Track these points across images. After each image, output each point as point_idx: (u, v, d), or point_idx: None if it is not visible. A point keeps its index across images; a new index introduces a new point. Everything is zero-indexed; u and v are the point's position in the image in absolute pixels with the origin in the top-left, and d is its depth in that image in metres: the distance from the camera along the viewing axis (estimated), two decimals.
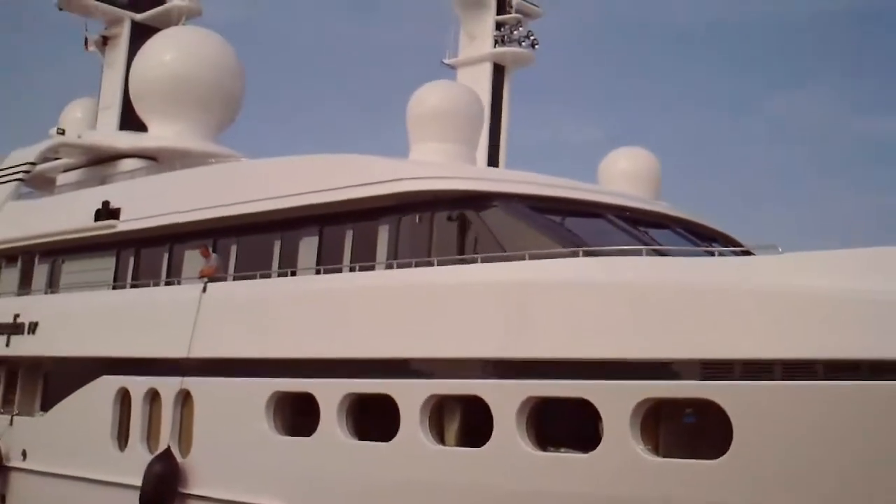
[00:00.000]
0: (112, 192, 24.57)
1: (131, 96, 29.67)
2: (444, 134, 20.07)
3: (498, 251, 16.11)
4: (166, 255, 22.97)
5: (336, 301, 17.66)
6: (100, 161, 29.17)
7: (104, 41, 31.43)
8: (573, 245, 15.54)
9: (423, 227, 17.83)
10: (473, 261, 15.87)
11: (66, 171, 30.09)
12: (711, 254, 15.39)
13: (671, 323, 13.04)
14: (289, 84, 70.42)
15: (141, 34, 31.05)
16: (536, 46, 24.19)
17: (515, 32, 24.25)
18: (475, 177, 17.73)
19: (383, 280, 17.41)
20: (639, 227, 17.17)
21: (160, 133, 28.84)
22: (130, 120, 30.26)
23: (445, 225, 17.61)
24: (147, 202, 23.46)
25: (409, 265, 17.02)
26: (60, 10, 30.67)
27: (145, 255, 23.61)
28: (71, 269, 25.79)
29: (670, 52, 64.73)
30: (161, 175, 24.36)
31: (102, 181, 27.76)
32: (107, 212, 24.08)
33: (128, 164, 28.24)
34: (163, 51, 29.04)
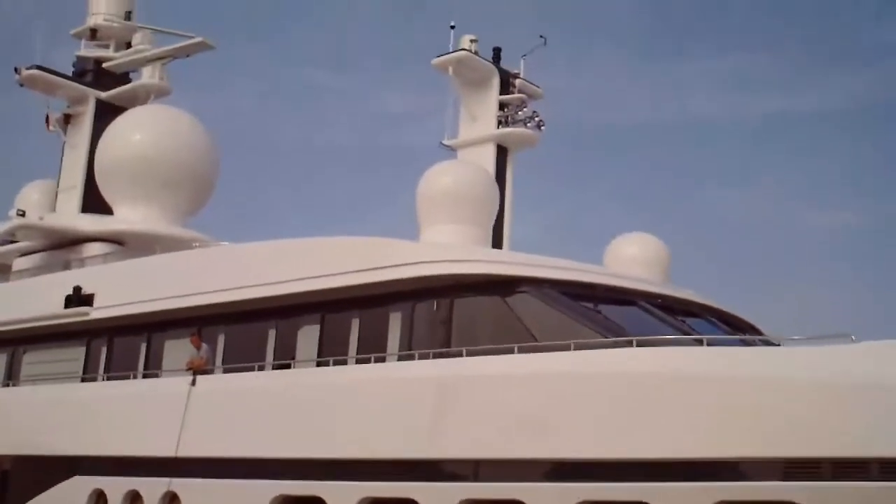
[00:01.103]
0: (83, 277, 23.00)
1: (96, 177, 28.24)
2: (457, 216, 19.03)
3: (528, 340, 15.03)
4: (144, 345, 21.39)
5: (347, 395, 16.35)
6: (61, 245, 27.51)
7: (66, 119, 30.00)
8: (614, 334, 14.54)
9: (442, 315, 16.67)
10: (509, 351, 14.69)
11: (22, 255, 28.30)
12: (772, 344, 14.45)
13: (748, 419, 12.00)
14: (266, 166, 68.18)
15: (106, 113, 29.79)
16: (543, 127, 23.47)
17: (521, 113, 23.52)
18: (501, 260, 16.69)
19: (402, 372, 16.15)
20: (675, 316, 16.21)
21: (127, 216, 27.39)
22: (93, 202, 28.79)
23: (467, 312, 16.47)
24: (124, 288, 21.96)
25: (430, 355, 15.80)
26: (21, 86, 29.20)
27: (120, 344, 22.01)
28: (33, 360, 24.02)
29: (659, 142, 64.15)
30: (140, 259, 22.88)
31: (65, 266, 26.19)
32: (78, 298, 22.47)
33: (93, 248, 26.65)
34: (131, 130, 27.78)
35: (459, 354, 15.32)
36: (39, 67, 28.96)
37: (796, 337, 13.55)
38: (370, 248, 17.81)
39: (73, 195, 29.13)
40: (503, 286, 16.10)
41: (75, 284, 22.74)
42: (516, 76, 23.86)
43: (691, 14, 70.12)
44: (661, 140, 65.41)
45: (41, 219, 27.27)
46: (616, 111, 68.27)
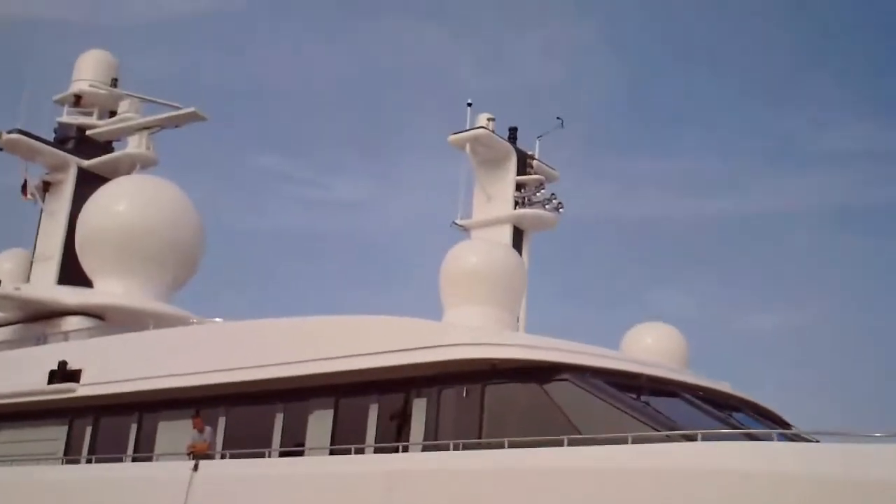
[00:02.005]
0: (69, 352, 21.72)
1: (76, 248, 27.09)
2: (484, 297, 18.20)
3: (569, 431, 14.18)
4: (135, 426, 20.11)
5: (367, 487, 15.30)
6: (37, 317, 26.19)
7: (45, 187, 28.87)
8: (666, 427, 13.77)
9: (472, 402, 15.75)
10: (557, 443, 13.80)
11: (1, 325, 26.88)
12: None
13: None
14: (259, 243, 65.74)
15: (87, 182, 28.80)
16: (561, 210, 22.88)
17: (539, 194, 22.92)
18: (539, 345, 15.87)
19: (432, 464, 15.14)
20: (719, 409, 15.50)
21: (108, 290, 26.20)
22: (71, 273, 27.61)
23: (500, 399, 15.59)
24: (115, 364, 20.74)
25: (468, 446, 14.85)
26: (0, 150, 28.07)
27: (108, 424, 20.68)
28: (7, 439, 22.50)
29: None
30: (133, 334, 21.72)
31: (41, 340, 24.86)
32: (63, 373, 21.18)
33: (72, 322, 25.38)
34: (116, 200, 26.75)
35: (500, 445, 14.38)
36: (21, 132, 27.88)
37: (831, 431, 12.92)
38: (393, 327, 16.93)
39: (49, 266, 27.93)
40: (541, 373, 15.29)
41: (60, 359, 21.45)
42: (532, 157, 23.34)
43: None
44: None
45: (17, 289, 25.95)
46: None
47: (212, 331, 20.52)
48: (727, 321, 61.27)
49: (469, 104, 23.07)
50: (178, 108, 28.70)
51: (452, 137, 22.68)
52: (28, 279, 28.18)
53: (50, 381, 21.32)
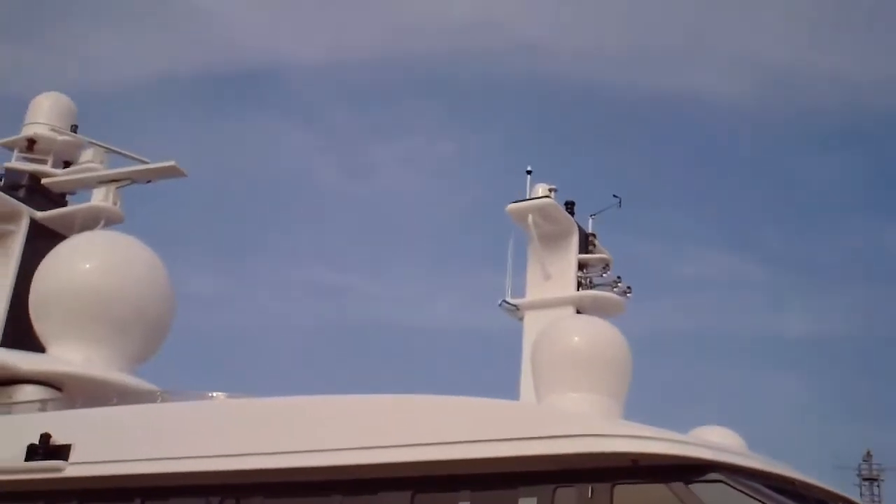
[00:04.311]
0: (49, 424, 18.60)
1: (31, 309, 23.95)
2: (587, 383, 16.15)
3: None
4: None
5: None
6: None
7: None
8: None
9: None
10: None
11: None
12: None
13: None
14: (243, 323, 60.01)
15: (38, 236, 25.73)
16: (629, 295, 21.23)
17: (604, 275, 21.26)
18: (687, 440, 14.09)
19: None
20: None
21: (64, 357, 23.09)
22: (17, 336, 24.32)
23: (633, 501, 13.68)
24: (115, 440, 17.82)
25: None
26: None
27: None
28: None
29: None
30: (133, 407, 18.90)
31: None
32: (47, 448, 18.08)
33: (26, 391, 22.11)
34: (80, 258, 23.92)
35: None
36: None
37: None
38: (496, 411, 14.90)
39: None
40: (688, 472, 13.52)
41: (39, 430, 18.35)
42: (594, 235, 21.76)
43: None
44: None
45: None
46: None
47: (243, 407, 17.83)
48: None
49: (529, 171, 21.38)
50: (144, 162, 26.09)
51: (512, 207, 20.86)
52: None
53: (29, 458, 18.16)
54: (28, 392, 22.17)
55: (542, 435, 14.22)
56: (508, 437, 14.44)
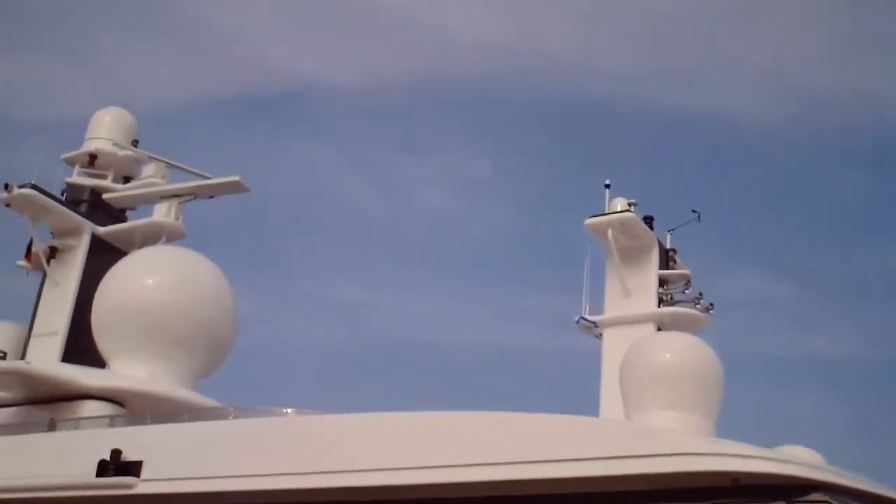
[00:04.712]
0: (123, 439, 18.18)
1: (93, 324, 23.64)
2: (679, 401, 15.58)
3: None
4: None
5: None
6: (43, 400, 22.41)
7: (51, 253, 25.32)
8: None
9: None
10: None
11: None
12: None
13: None
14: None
15: (99, 251, 25.44)
16: (712, 311, 20.68)
17: (687, 291, 20.72)
18: (789, 459, 13.47)
19: None
20: None
21: (127, 372, 22.75)
22: (78, 351, 24.02)
23: None
24: (189, 458, 17.36)
25: None
26: (8, 206, 24.56)
27: None
28: None
29: None
30: (207, 423, 18.44)
31: (50, 427, 21.11)
32: (118, 465, 17.66)
33: (90, 407, 21.73)
34: (144, 273, 23.61)
35: None
36: (36, 187, 24.49)
37: None
38: (592, 429, 14.32)
39: (52, 342, 24.26)
40: (789, 491, 12.91)
41: (107, 446, 17.93)
42: (674, 251, 21.22)
43: None
44: None
45: (28, 363, 22.28)
46: None
47: (318, 424, 17.30)
48: None
49: (607, 185, 20.90)
50: (206, 178, 25.83)
51: (591, 221, 20.37)
52: (22, 357, 24.35)
53: (100, 474, 17.74)
54: (91, 408, 21.78)
55: (637, 453, 13.63)
56: (601, 455, 13.86)
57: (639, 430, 14.45)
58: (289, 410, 18.07)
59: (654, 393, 15.81)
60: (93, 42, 62.97)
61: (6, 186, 24.23)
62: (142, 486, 17.34)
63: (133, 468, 17.57)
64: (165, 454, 17.67)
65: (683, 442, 13.71)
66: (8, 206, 24.54)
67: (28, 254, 25.25)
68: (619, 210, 20.50)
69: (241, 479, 16.48)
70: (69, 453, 18.66)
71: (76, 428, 20.24)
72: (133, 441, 18.11)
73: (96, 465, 17.80)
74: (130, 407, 22.07)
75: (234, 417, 18.27)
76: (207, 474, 16.88)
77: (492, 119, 64.31)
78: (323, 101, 68.01)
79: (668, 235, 21.55)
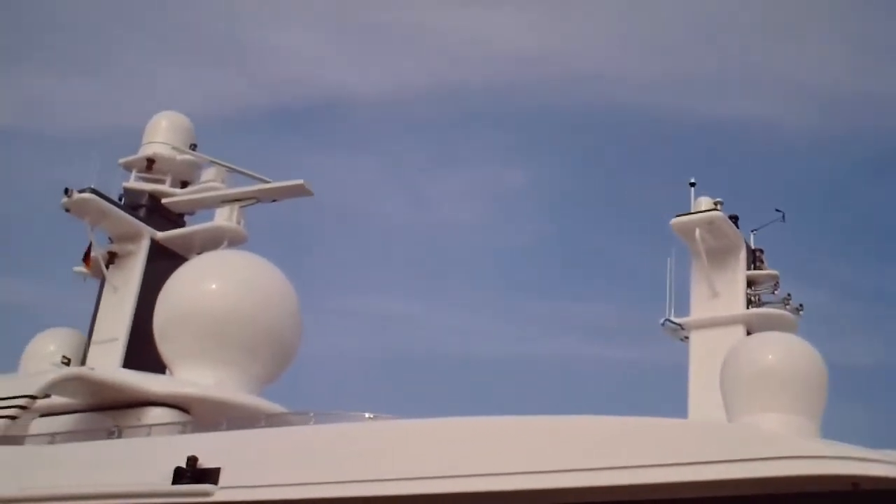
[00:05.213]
0: (198, 446, 17.59)
1: (155, 330, 23.10)
2: (783, 402, 14.85)
3: None
4: None
5: None
6: (106, 407, 21.88)
7: (110, 258, 24.87)
8: None
9: None
10: None
11: (45, 415, 22.31)
12: None
13: None
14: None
15: (159, 256, 24.97)
16: (801, 312, 19.97)
17: (777, 292, 20.02)
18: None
19: None
20: None
21: (189, 378, 22.21)
22: (137, 358, 23.52)
23: None
24: (268, 463, 16.77)
25: None
26: (67, 211, 24.15)
27: None
28: None
29: None
30: (296, 428, 17.83)
31: (112, 434, 20.57)
32: (195, 471, 17.08)
33: (155, 413, 21.18)
34: (208, 278, 23.07)
35: None
36: (95, 191, 24.07)
37: None
38: (696, 433, 13.71)
39: (112, 349, 23.85)
40: None
41: (182, 453, 17.35)
42: (761, 251, 20.54)
43: None
44: None
45: (92, 369, 21.78)
46: None
47: (404, 428, 16.65)
48: None
49: (692, 184, 20.24)
50: (266, 182, 25.32)
51: (677, 220, 19.71)
52: (82, 364, 23.89)
53: (176, 481, 17.16)
54: (156, 414, 21.22)
55: (750, 457, 12.97)
56: (712, 459, 13.22)
57: (751, 433, 13.76)
58: (369, 415, 17.46)
59: (760, 394, 15.07)
60: (144, 64, 63.10)
61: (66, 191, 23.87)
62: (220, 494, 16.73)
63: (211, 475, 16.98)
64: (244, 461, 17.07)
65: (801, 444, 13.07)
66: (67, 210, 24.15)
67: (86, 259, 24.77)
68: (706, 209, 19.83)
69: (324, 486, 15.86)
70: (141, 460, 18.11)
71: (148, 434, 19.71)
72: (209, 448, 17.51)
73: (172, 472, 17.22)
74: (195, 414, 21.53)
75: (315, 423, 17.66)
76: (289, 481, 16.28)
77: (525, 128, 63.84)
78: (355, 113, 67.67)
79: (752, 235, 20.83)
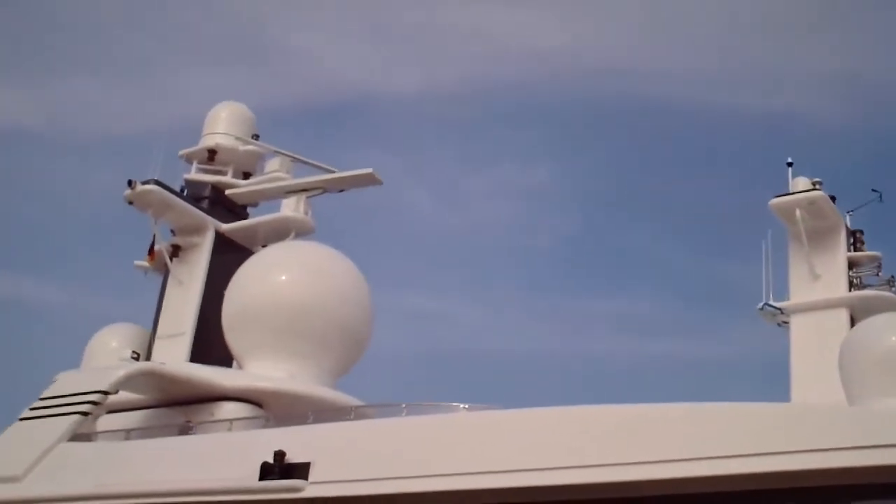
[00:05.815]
0: (284, 441, 16.90)
1: (224, 324, 22.47)
2: None
3: None
4: None
5: None
6: (177, 402, 21.29)
7: (174, 251, 24.24)
8: None
9: None
10: None
11: (113, 411, 21.65)
12: None
13: None
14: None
15: (223, 249, 24.32)
16: None
17: (880, 274, 19.15)
18: None
19: None
20: None
21: (260, 371, 21.57)
22: (203, 352, 22.89)
23: None
24: (361, 457, 16.07)
25: None
26: (130, 203, 23.53)
27: None
28: None
29: None
30: (387, 420, 17.12)
31: (183, 430, 19.96)
32: (283, 467, 16.38)
33: (228, 409, 20.55)
34: (279, 270, 22.63)
35: None
36: (159, 183, 23.44)
37: None
38: (821, 418, 12.98)
39: (179, 343, 23.13)
40: None
41: (270, 447, 16.66)
42: (861, 232, 19.67)
43: None
44: None
45: (163, 364, 21.19)
46: None
47: (503, 420, 15.84)
48: None
49: (789, 164, 19.41)
50: (331, 171, 24.64)
51: (776, 201, 18.85)
52: (147, 359, 23.27)
53: (263, 477, 16.48)
54: (228, 409, 20.62)
55: (883, 443, 12.16)
56: (840, 446, 12.44)
57: (884, 418, 12.91)
58: (464, 405, 16.72)
59: (884, 378, 14.20)
60: (178, 67, 63.27)
61: (130, 183, 23.24)
62: (311, 489, 16.03)
63: (300, 470, 16.28)
64: (335, 455, 16.36)
65: None
66: (130, 203, 23.53)
67: (151, 252, 24.16)
68: (806, 189, 19.00)
69: (424, 480, 15.14)
70: (223, 456, 17.46)
71: (229, 429, 19.06)
72: (296, 442, 16.81)
73: (257, 468, 16.53)
74: (269, 408, 20.89)
75: (408, 414, 16.93)
76: (384, 475, 15.57)
77: (552, 125, 63.17)
78: (384, 111, 67.22)
79: (847, 216, 19.94)
